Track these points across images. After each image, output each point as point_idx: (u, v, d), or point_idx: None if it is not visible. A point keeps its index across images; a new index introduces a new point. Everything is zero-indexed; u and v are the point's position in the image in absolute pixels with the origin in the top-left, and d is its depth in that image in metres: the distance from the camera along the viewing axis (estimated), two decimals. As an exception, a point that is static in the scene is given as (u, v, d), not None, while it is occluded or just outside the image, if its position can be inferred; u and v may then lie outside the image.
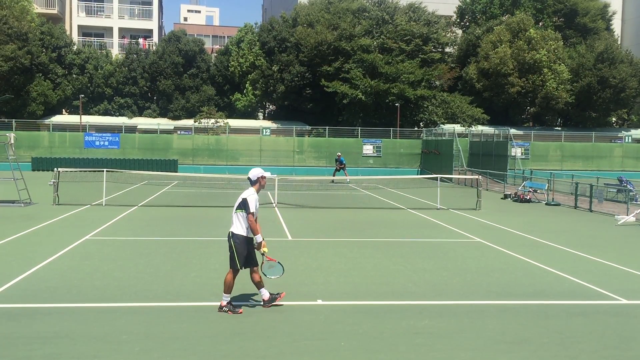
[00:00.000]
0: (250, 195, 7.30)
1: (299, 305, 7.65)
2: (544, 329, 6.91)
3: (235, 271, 7.34)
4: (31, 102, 42.01)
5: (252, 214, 7.24)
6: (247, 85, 46.74)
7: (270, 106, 51.49)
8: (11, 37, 40.29)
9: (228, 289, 7.31)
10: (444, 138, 36.65)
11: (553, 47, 45.08)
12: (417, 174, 36.55)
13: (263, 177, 7.47)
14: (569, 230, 15.31)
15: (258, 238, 7.27)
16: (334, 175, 30.93)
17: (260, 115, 52.30)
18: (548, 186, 23.25)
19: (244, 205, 7.26)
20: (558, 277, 9.62)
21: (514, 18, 46.58)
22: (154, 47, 50.22)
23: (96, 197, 19.31)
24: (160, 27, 63.85)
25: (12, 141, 18.68)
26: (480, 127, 43.54)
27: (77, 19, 55.22)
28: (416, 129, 44.58)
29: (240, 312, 7.24)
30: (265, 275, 7.60)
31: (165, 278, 8.90)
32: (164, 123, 43.75)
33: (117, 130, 40.55)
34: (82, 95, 43.71)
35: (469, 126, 42.39)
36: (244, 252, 7.28)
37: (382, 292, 8.39)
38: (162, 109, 46.58)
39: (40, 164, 34.54)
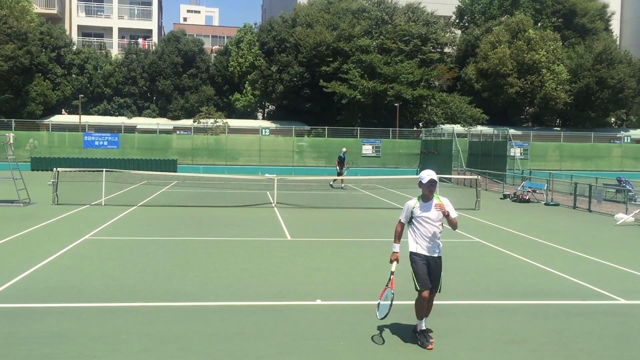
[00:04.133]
0: (408, 201, 6.55)
1: (298, 305, 7.65)
2: (542, 328, 6.92)
3: (419, 292, 6.21)
4: (30, 102, 42.01)
5: (400, 221, 6.58)
6: (246, 85, 46.76)
7: (270, 106, 51.50)
8: (11, 36, 40.28)
9: (419, 313, 6.30)
10: (443, 138, 36.64)
11: (552, 47, 45.16)
12: (416, 174, 36.49)
13: (420, 183, 6.33)
14: (568, 230, 15.32)
15: (394, 247, 6.42)
16: (341, 175, 27.15)
17: (260, 115, 52.31)
18: (547, 186, 23.27)
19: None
20: (557, 277, 9.63)
21: (513, 18, 46.65)
22: (154, 47, 50.22)
23: (95, 197, 19.30)
24: (160, 27, 63.82)
25: (11, 141, 18.69)
26: (479, 127, 43.56)
27: (76, 19, 55.20)
28: (415, 129, 44.59)
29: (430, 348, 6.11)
30: (377, 309, 6.40)
31: (164, 278, 8.90)
32: (163, 123, 43.74)
33: (116, 130, 40.54)
34: (82, 95, 43.70)
35: (469, 126, 42.42)
36: (418, 270, 6.23)
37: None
38: (161, 109, 46.58)
39: (40, 164, 34.51)
